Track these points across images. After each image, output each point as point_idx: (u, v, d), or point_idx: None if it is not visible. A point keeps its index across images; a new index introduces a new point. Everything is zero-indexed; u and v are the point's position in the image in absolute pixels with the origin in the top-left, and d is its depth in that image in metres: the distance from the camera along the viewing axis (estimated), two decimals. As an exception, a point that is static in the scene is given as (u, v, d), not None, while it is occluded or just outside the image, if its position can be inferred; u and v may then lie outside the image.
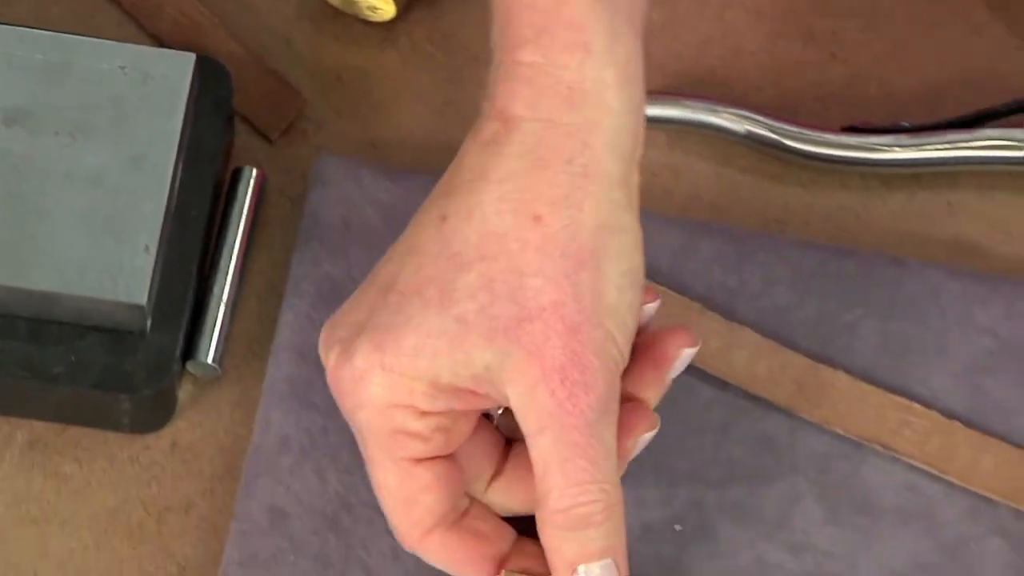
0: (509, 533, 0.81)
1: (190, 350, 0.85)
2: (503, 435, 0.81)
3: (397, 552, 0.82)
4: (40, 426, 0.85)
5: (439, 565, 0.79)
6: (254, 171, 0.87)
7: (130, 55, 0.84)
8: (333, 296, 0.85)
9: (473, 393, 0.76)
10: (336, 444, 0.84)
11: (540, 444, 0.76)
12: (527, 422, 0.76)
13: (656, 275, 0.86)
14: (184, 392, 0.86)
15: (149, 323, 0.83)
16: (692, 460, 0.85)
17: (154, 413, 0.84)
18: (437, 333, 0.75)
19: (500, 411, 0.80)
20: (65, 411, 0.84)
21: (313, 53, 0.91)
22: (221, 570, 0.82)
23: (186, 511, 0.84)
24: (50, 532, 0.84)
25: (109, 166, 0.83)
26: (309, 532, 0.83)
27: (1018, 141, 0.88)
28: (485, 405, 0.77)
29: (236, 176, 0.87)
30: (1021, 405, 0.86)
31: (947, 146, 0.88)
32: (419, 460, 0.77)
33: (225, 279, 0.86)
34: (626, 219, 0.75)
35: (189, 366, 0.85)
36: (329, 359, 0.78)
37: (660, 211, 0.88)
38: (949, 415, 0.86)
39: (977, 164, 0.88)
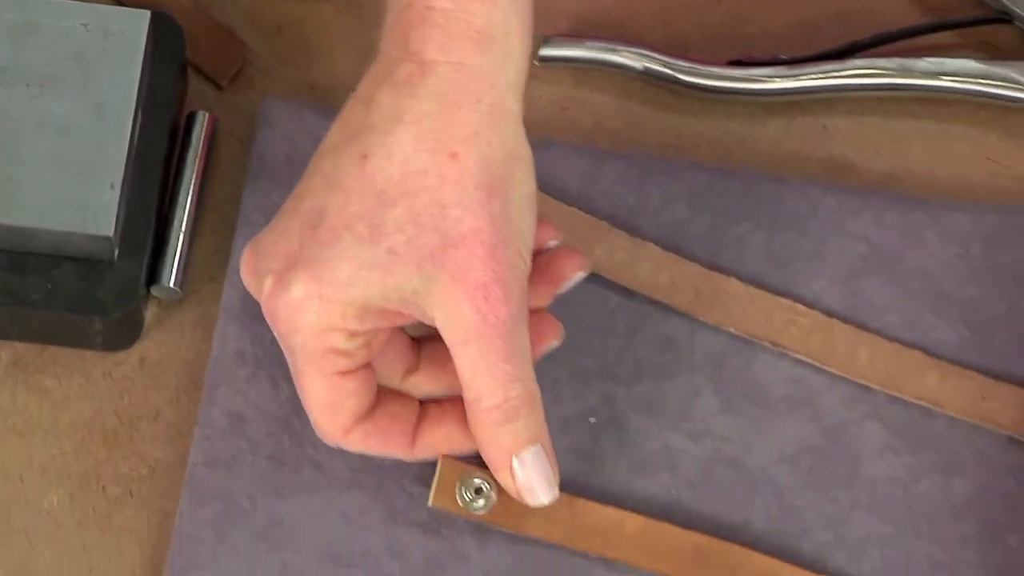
0: (414, 403, 0.82)
1: (154, 276, 0.86)
2: (410, 336, 0.82)
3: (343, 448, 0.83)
4: (21, 347, 0.85)
5: (363, 452, 0.81)
6: (206, 115, 0.88)
7: (91, 13, 0.84)
8: None
9: (398, 313, 0.78)
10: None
11: (467, 354, 0.78)
12: (453, 336, 0.77)
13: (566, 197, 0.87)
14: (150, 313, 0.86)
15: (116, 252, 0.84)
16: (603, 360, 0.86)
17: (123, 333, 0.85)
18: (370, 264, 0.76)
19: None
20: (44, 333, 0.85)
21: (256, 7, 0.91)
22: (187, 471, 0.83)
23: (155, 419, 0.85)
24: (34, 441, 0.84)
25: (75, 114, 0.83)
26: (264, 434, 0.84)
27: (883, 69, 0.89)
28: (407, 322, 0.79)
29: (190, 120, 0.88)
30: (891, 303, 0.87)
31: (821, 75, 0.89)
32: (344, 373, 0.79)
33: (183, 212, 0.87)
34: (523, 149, 0.78)
35: (153, 290, 0.86)
36: (263, 287, 0.79)
37: (568, 140, 0.89)
38: (829, 314, 0.87)
39: (847, 91, 0.89)
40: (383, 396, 0.81)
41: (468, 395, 0.78)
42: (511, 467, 0.79)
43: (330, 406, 0.80)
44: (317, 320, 0.77)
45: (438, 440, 0.81)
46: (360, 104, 0.78)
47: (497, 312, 0.76)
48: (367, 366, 0.80)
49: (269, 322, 0.79)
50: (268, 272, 0.78)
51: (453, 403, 0.81)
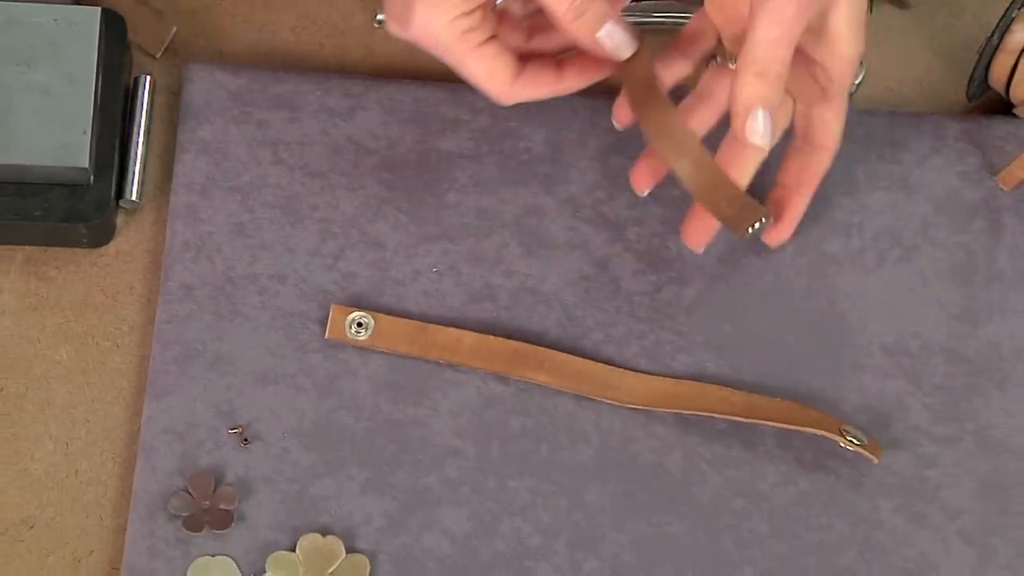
0: (548, 57, 0.80)
1: (120, 192, 0.86)
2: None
3: (264, 303, 0.84)
4: (30, 249, 0.86)
5: (530, 98, 0.79)
6: (147, 78, 0.88)
7: (59, 12, 0.85)
8: (205, 151, 0.86)
9: None
10: (219, 242, 0.85)
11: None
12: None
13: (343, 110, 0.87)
14: (120, 219, 0.87)
15: (92, 178, 0.84)
16: (440, 225, 0.86)
17: (102, 234, 0.86)
18: None
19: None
20: (45, 238, 0.85)
21: None
22: (156, 327, 0.84)
23: (130, 292, 0.86)
24: (45, 312, 0.85)
25: (53, 82, 0.84)
26: (207, 297, 0.85)
27: (626, 12, 0.84)
28: None
29: (136, 82, 0.88)
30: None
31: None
32: (483, 43, 0.77)
33: (137, 146, 0.87)
34: None
35: (121, 202, 0.86)
36: (408, 36, 0.77)
37: (405, 75, 0.88)
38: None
39: None
40: (523, 60, 0.79)
41: (547, 9, 0.77)
42: (597, 38, 0.77)
43: (490, 71, 0.78)
44: (442, 19, 0.76)
45: (572, 69, 0.79)
46: None
47: None
48: (496, 39, 0.78)
49: (425, 47, 0.77)
50: (398, 25, 0.77)
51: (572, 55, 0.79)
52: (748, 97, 0.77)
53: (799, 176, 0.84)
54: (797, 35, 0.76)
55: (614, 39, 0.78)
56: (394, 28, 0.78)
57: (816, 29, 0.78)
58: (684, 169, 0.78)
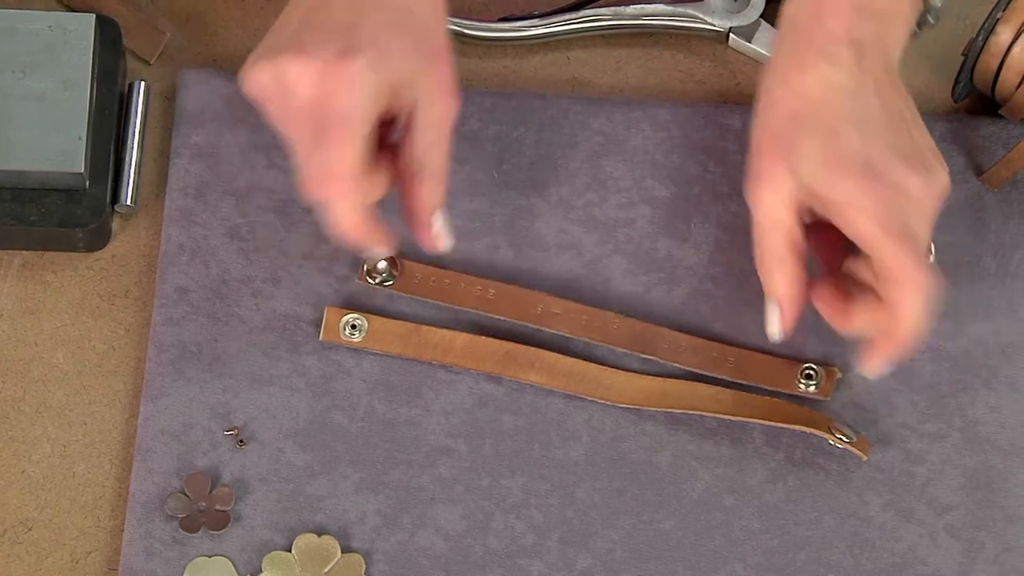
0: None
1: (116, 196, 0.86)
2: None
3: (259, 305, 0.84)
4: (27, 254, 0.86)
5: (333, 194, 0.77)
6: (142, 83, 0.87)
7: (54, 19, 0.85)
8: (200, 155, 0.86)
9: (397, 96, 0.76)
10: (214, 245, 0.85)
11: (428, 134, 0.77)
12: (426, 117, 0.76)
13: None
14: (115, 223, 0.87)
15: (87, 183, 0.84)
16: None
17: (98, 238, 0.86)
18: (405, 52, 0.76)
19: None
20: (42, 242, 0.85)
21: (169, 5, 0.90)
22: (152, 329, 0.84)
23: (125, 296, 0.86)
24: (43, 317, 0.85)
25: (50, 89, 0.84)
26: (203, 300, 0.84)
27: (603, 15, 0.89)
28: (398, 110, 0.77)
29: (130, 88, 0.87)
30: (622, 173, 0.87)
31: (562, 23, 0.89)
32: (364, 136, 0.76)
33: (132, 151, 0.86)
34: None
35: (117, 207, 0.86)
36: (313, 64, 0.75)
37: None
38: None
39: (581, 32, 0.89)
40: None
41: (416, 157, 0.77)
42: (433, 216, 0.79)
43: (341, 155, 0.75)
44: (370, 84, 0.75)
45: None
46: None
47: (455, 110, 0.77)
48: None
49: (320, 92, 0.75)
50: (317, 55, 0.75)
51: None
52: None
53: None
54: (772, 225, 0.77)
55: (441, 225, 0.79)
56: (293, 65, 0.75)
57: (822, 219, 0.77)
58: None
